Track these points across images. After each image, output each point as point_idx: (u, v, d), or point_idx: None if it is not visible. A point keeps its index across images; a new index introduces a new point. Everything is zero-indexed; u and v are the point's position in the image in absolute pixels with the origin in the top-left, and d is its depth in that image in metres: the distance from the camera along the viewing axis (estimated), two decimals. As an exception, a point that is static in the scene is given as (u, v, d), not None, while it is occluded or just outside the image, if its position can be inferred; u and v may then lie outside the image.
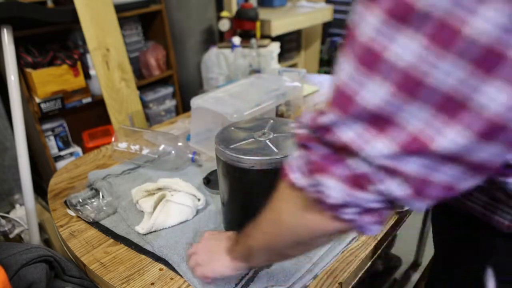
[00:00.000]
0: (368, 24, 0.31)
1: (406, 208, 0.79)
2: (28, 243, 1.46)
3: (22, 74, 1.64)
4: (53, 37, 1.81)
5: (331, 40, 3.42)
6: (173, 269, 0.68)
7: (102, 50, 1.76)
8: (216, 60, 2.24)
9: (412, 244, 1.67)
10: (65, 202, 0.88)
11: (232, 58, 2.17)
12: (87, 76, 1.85)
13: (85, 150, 1.91)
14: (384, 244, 0.78)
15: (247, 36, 2.22)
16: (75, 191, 0.90)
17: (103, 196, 0.85)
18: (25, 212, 1.45)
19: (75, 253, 0.74)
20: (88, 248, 0.75)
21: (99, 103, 1.86)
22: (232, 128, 0.75)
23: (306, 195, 0.39)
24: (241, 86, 1.12)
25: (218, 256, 0.60)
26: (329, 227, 0.40)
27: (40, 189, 1.86)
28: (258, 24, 2.23)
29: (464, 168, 0.32)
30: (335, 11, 3.04)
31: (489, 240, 0.54)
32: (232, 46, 2.15)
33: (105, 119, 1.88)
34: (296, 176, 0.40)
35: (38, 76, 1.64)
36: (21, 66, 1.65)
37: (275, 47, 2.28)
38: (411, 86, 0.29)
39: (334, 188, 0.36)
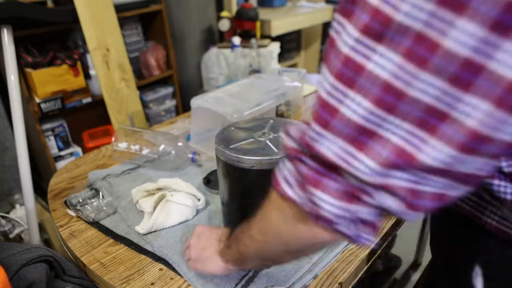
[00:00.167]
0: (346, 36, 0.31)
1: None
2: (28, 243, 1.46)
3: (22, 74, 1.64)
4: (53, 37, 1.81)
5: (331, 40, 3.42)
6: (173, 269, 0.68)
7: (102, 50, 1.76)
8: (216, 60, 2.24)
9: (412, 244, 1.67)
10: (65, 202, 0.88)
11: (232, 58, 2.17)
12: (87, 76, 1.85)
13: (85, 150, 1.91)
14: (384, 244, 0.78)
15: (247, 36, 2.22)
16: (75, 191, 0.90)
17: (103, 196, 0.85)
18: (25, 212, 1.45)
19: (75, 253, 0.74)
20: (88, 248, 0.75)
21: (99, 103, 1.86)
22: (232, 128, 0.75)
23: (298, 206, 0.39)
24: (241, 86, 1.12)
25: (211, 256, 0.60)
26: (322, 238, 0.40)
27: (40, 189, 1.86)
28: (258, 24, 2.23)
29: (453, 179, 0.32)
30: (335, 11, 3.05)
31: (483, 240, 0.54)
32: (232, 46, 2.15)
33: (105, 119, 1.88)
34: (287, 187, 0.40)
35: (38, 76, 1.64)
36: (21, 66, 1.65)
37: (275, 47, 2.28)
38: (389, 102, 0.29)
39: (327, 201, 0.35)
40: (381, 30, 0.28)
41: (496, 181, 0.44)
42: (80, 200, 0.85)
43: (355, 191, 0.34)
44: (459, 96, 0.27)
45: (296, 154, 0.38)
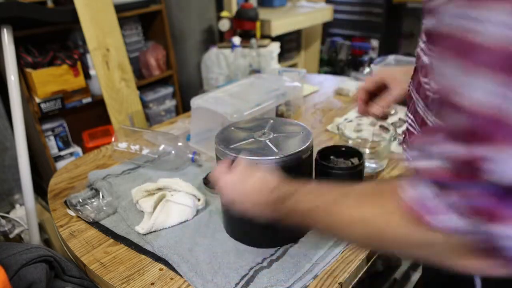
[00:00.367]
0: (499, 24, 0.26)
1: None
2: (28, 243, 1.47)
3: (22, 74, 1.64)
4: (53, 37, 1.81)
5: (331, 40, 3.42)
6: (173, 269, 0.68)
7: (102, 50, 1.76)
8: (216, 60, 2.24)
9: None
10: (65, 202, 0.88)
11: (232, 58, 2.17)
12: (87, 76, 1.85)
13: (85, 150, 1.91)
14: (384, 244, 0.77)
15: (247, 36, 2.22)
16: (75, 191, 0.90)
17: (103, 196, 0.85)
18: (25, 212, 1.45)
19: (75, 253, 0.74)
20: (88, 248, 0.75)
21: (99, 103, 1.86)
22: (232, 128, 0.75)
23: (453, 238, 0.34)
24: (241, 86, 1.12)
25: (255, 203, 0.56)
26: (493, 272, 0.34)
27: (40, 189, 1.86)
28: (258, 24, 2.23)
29: None
30: (335, 11, 3.04)
31: None
32: (232, 46, 2.15)
33: (105, 119, 1.88)
34: (439, 217, 0.34)
35: (38, 76, 1.64)
36: (21, 66, 1.65)
37: (275, 47, 2.28)
38: None
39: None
40: None
41: None
42: (80, 200, 0.85)
43: None
44: None
45: (449, 179, 0.32)
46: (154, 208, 0.79)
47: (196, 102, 1.02)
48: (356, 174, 0.78)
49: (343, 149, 0.83)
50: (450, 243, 0.35)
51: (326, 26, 3.21)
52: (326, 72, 3.20)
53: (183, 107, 2.36)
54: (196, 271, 0.66)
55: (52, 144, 1.86)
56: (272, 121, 0.76)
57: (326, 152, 0.82)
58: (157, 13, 2.13)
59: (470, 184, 0.31)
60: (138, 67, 2.17)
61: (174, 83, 2.29)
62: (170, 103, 2.28)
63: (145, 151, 1.00)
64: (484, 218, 0.30)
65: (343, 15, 3.43)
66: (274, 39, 2.42)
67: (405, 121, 0.67)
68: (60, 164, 1.88)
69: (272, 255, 0.70)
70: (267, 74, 1.55)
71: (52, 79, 1.68)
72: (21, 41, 1.65)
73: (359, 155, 0.81)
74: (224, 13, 2.26)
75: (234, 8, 2.38)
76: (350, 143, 0.91)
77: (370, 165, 0.93)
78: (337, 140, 1.06)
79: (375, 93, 0.77)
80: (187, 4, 2.26)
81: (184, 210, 0.80)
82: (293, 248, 0.71)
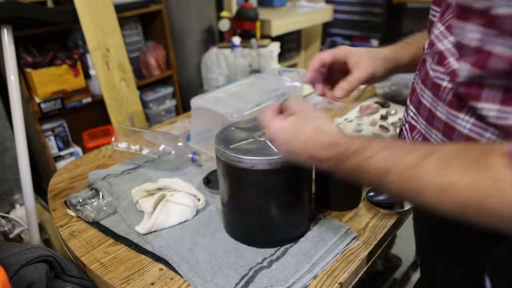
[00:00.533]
0: None
1: (406, 208, 0.79)
2: (28, 243, 1.47)
3: (22, 74, 1.64)
4: (53, 37, 1.81)
5: (331, 40, 3.42)
6: (173, 269, 0.68)
7: (102, 50, 1.76)
8: (216, 60, 2.24)
9: (412, 244, 1.67)
10: (65, 202, 0.88)
11: (232, 58, 2.17)
12: (87, 76, 1.86)
13: (85, 150, 1.91)
14: (384, 244, 0.78)
15: (247, 36, 2.22)
16: (75, 191, 0.90)
17: (103, 196, 0.85)
18: (25, 212, 1.46)
19: (75, 253, 0.74)
20: (88, 248, 0.75)
21: (99, 103, 1.86)
22: (232, 128, 0.75)
23: None
24: (241, 86, 1.12)
25: (312, 156, 0.52)
26: None
27: (40, 189, 1.86)
28: (258, 24, 2.23)
29: None
30: (335, 11, 3.05)
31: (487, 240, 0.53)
32: (232, 46, 2.15)
33: (105, 119, 1.88)
34: None
35: (38, 76, 1.64)
36: (21, 66, 1.65)
37: (275, 47, 2.29)
38: None
39: None
40: None
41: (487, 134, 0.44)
42: (80, 200, 0.85)
43: None
44: None
45: None
46: (154, 208, 0.79)
47: (196, 102, 1.02)
48: (356, 174, 0.78)
49: (343, 149, 0.83)
50: None
51: (326, 26, 3.21)
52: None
53: (183, 107, 2.36)
54: (196, 271, 0.66)
55: (52, 144, 1.86)
56: (272, 121, 0.76)
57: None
58: (157, 13, 2.13)
59: None
60: (138, 67, 2.17)
61: (174, 83, 2.29)
62: (170, 103, 2.28)
63: (145, 151, 1.00)
64: None
65: (343, 15, 3.44)
66: (274, 39, 2.42)
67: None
68: (60, 164, 1.88)
69: (272, 255, 0.70)
70: (267, 74, 1.55)
71: (52, 79, 1.68)
72: (21, 41, 1.65)
73: (359, 155, 0.81)
74: (224, 13, 2.26)
75: (234, 8, 2.39)
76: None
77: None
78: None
79: (330, 69, 0.71)
80: (187, 4, 2.26)
81: (184, 210, 0.80)
82: (293, 248, 0.71)
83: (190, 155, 0.98)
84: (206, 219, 0.81)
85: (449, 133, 0.50)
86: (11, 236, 1.53)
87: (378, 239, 0.73)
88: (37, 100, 1.70)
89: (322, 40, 3.20)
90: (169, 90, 2.28)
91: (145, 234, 0.77)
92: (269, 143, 0.67)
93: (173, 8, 2.24)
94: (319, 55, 0.70)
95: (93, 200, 0.84)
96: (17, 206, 1.69)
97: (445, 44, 0.49)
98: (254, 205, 0.70)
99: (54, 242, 1.58)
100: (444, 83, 0.49)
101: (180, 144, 0.99)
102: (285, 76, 1.35)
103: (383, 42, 3.18)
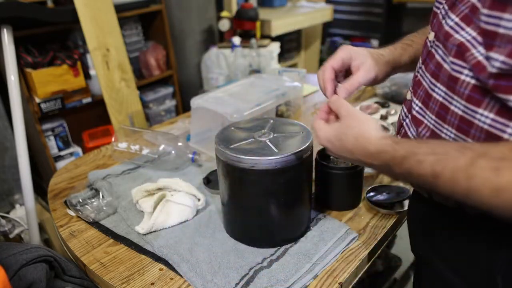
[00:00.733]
0: None
1: (405, 209, 0.79)
2: (28, 243, 1.47)
3: (22, 74, 1.64)
4: (53, 37, 1.81)
5: (331, 40, 3.42)
6: (173, 269, 0.68)
7: (102, 50, 1.76)
8: (216, 60, 2.24)
9: (412, 244, 1.67)
10: (65, 202, 0.88)
11: (232, 58, 2.17)
12: (87, 76, 1.85)
13: (85, 150, 1.91)
14: (384, 244, 0.78)
15: (247, 36, 2.22)
16: (75, 191, 0.90)
17: (103, 196, 0.85)
18: (25, 212, 1.46)
19: (75, 253, 0.74)
20: (88, 248, 0.75)
21: (99, 103, 1.86)
22: (232, 128, 0.75)
23: None
24: (241, 86, 1.12)
25: (361, 162, 0.54)
26: None
27: (40, 189, 1.86)
28: (258, 24, 2.23)
29: None
30: (335, 11, 3.05)
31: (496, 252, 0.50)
32: (232, 46, 2.15)
33: (105, 119, 1.88)
34: None
35: (38, 76, 1.64)
36: (21, 66, 1.65)
37: (275, 47, 2.29)
38: None
39: None
40: None
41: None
42: (80, 200, 0.85)
43: None
44: None
45: None
46: (154, 208, 0.79)
47: (196, 102, 1.02)
48: (356, 174, 0.78)
49: (343, 149, 0.83)
50: None
51: (326, 26, 3.22)
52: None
53: (183, 107, 2.36)
54: (196, 271, 0.66)
55: (52, 144, 1.86)
56: (272, 121, 0.76)
57: (326, 152, 0.82)
58: (157, 13, 2.13)
59: None
60: (138, 67, 2.17)
61: (174, 83, 2.29)
62: (170, 103, 2.28)
63: (145, 151, 1.00)
64: None
65: (343, 15, 3.44)
66: (274, 39, 2.42)
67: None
68: (60, 164, 1.88)
69: (272, 255, 0.70)
70: (267, 74, 1.55)
71: (52, 79, 1.68)
72: (21, 41, 1.65)
73: (359, 155, 0.81)
74: (224, 13, 2.26)
75: (234, 8, 2.39)
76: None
77: (370, 165, 0.93)
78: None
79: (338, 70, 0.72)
80: (187, 4, 2.26)
81: (184, 210, 0.80)
82: (293, 248, 0.71)
83: (190, 155, 0.98)
84: (206, 219, 0.81)
85: (466, 127, 0.48)
86: (11, 236, 1.53)
87: (378, 239, 0.74)
88: (37, 100, 1.70)
89: (322, 40, 3.20)
90: (169, 90, 2.28)
91: (145, 234, 0.77)
92: (269, 143, 0.67)
93: (173, 8, 2.24)
94: (329, 64, 0.70)
95: (93, 200, 0.84)
96: (17, 206, 1.69)
97: (464, 36, 0.47)
98: (254, 205, 0.70)
99: (54, 242, 1.58)
100: (463, 77, 0.47)
101: (180, 144, 0.99)
102: (285, 76, 1.35)
103: (383, 42, 3.18)
